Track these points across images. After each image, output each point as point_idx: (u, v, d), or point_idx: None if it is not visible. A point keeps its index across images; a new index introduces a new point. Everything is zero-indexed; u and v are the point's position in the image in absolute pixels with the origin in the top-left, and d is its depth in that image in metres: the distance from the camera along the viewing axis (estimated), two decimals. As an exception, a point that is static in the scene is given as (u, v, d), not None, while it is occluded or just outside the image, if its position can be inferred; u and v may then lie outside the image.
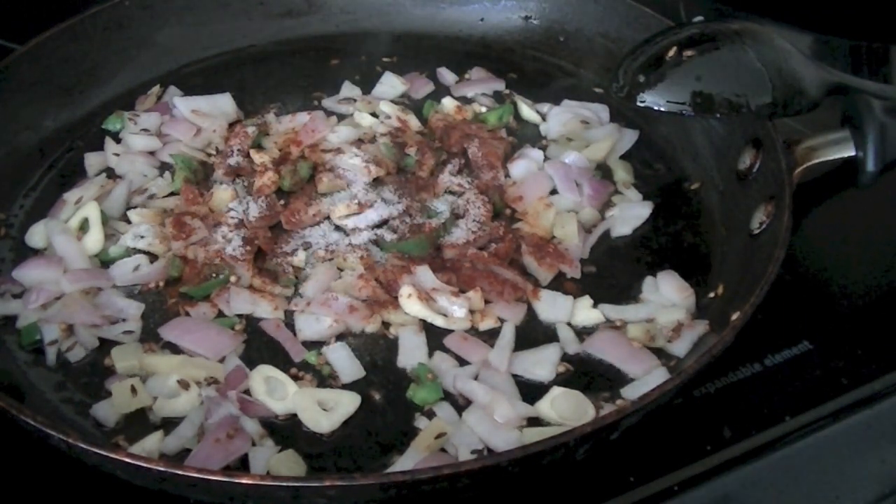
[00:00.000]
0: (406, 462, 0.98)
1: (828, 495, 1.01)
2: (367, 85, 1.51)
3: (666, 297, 1.17)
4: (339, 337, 1.14)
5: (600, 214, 1.30)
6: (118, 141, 1.41)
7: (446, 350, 1.12)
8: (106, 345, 1.12)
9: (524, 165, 1.36)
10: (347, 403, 1.05)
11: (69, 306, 1.14)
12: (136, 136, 1.40)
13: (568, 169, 1.34)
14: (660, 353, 1.11)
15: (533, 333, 1.15)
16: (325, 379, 1.09)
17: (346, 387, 1.08)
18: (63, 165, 1.38)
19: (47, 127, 1.41)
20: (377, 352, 1.13)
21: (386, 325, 1.15)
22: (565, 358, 1.11)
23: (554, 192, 1.32)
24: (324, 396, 1.06)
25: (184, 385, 1.06)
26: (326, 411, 1.04)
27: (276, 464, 0.99)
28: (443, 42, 1.62)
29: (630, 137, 1.41)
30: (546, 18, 1.60)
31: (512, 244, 1.23)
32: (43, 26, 1.42)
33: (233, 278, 1.19)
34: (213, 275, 1.19)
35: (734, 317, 1.01)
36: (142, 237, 1.23)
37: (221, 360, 1.10)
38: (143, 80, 1.52)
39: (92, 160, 1.38)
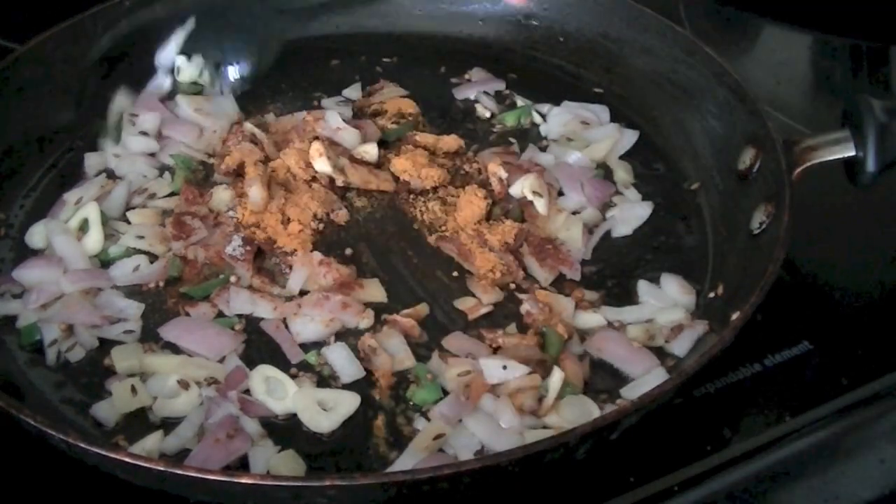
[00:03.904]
0: (406, 462, 0.98)
1: (828, 495, 1.01)
2: (367, 85, 1.52)
3: (667, 296, 1.17)
4: (339, 337, 1.14)
5: (601, 215, 1.30)
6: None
7: (446, 350, 1.12)
8: (106, 345, 1.12)
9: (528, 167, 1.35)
10: (347, 403, 1.05)
11: (69, 306, 1.14)
12: (135, 136, 1.40)
13: (572, 170, 1.34)
14: (660, 353, 1.11)
15: (533, 333, 1.15)
16: (325, 379, 1.09)
17: (346, 387, 1.08)
18: (63, 165, 1.38)
19: (47, 127, 1.41)
20: (377, 352, 1.13)
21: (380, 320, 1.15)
22: (565, 358, 1.11)
23: (558, 193, 1.32)
24: (324, 396, 1.06)
25: (184, 385, 1.06)
26: (326, 411, 1.04)
27: (276, 464, 0.99)
28: (443, 42, 1.62)
29: (630, 137, 1.41)
30: (546, 18, 1.60)
31: (517, 231, 1.23)
32: (43, 26, 1.42)
33: (233, 278, 1.19)
34: (214, 275, 1.19)
35: (734, 317, 1.01)
36: (142, 237, 1.23)
37: (221, 360, 1.10)
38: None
39: (92, 160, 1.38)
